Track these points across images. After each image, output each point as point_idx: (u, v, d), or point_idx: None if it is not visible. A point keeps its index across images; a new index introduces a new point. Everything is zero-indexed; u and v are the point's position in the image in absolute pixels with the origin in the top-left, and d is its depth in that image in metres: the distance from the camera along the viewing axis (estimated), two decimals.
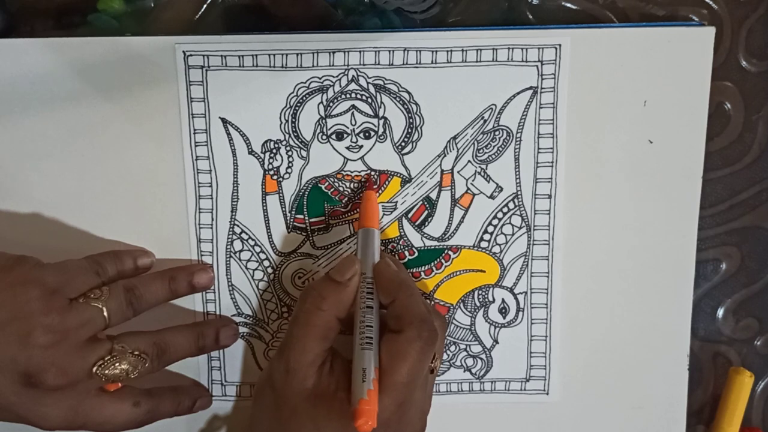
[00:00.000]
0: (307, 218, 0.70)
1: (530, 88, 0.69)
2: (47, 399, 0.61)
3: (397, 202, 0.70)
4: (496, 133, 0.69)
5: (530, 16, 0.71)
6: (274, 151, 0.69)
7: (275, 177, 0.69)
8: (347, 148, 0.69)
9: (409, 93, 0.69)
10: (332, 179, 0.70)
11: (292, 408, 0.62)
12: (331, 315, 0.62)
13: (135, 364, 0.63)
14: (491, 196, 0.70)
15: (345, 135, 0.69)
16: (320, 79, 0.68)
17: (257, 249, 0.70)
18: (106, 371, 0.62)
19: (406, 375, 0.60)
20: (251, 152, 0.69)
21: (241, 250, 0.70)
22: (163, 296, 0.68)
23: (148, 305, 0.67)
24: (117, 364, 0.63)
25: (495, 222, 0.71)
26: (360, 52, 0.68)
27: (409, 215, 0.71)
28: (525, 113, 0.69)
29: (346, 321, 0.64)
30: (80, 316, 0.62)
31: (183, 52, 0.67)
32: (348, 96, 0.68)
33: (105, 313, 0.63)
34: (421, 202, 0.70)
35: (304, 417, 0.61)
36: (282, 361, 0.63)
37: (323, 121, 0.69)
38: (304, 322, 0.62)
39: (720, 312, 0.76)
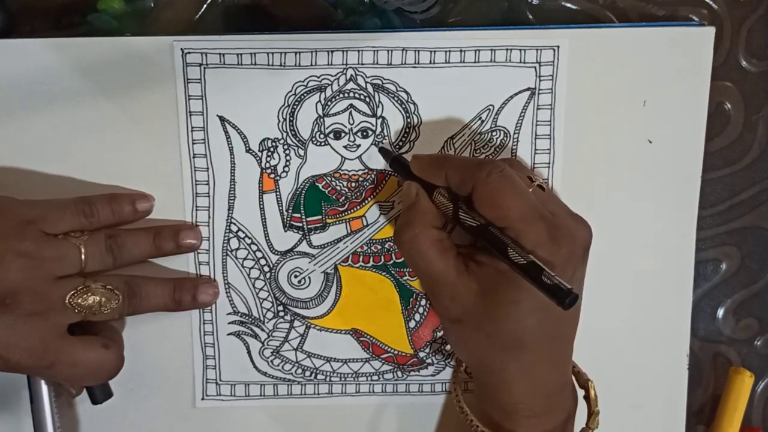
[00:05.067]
0: (304, 217, 0.70)
1: (528, 89, 0.69)
2: (19, 325, 0.60)
3: (394, 201, 0.70)
4: (494, 133, 0.69)
5: (530, 16, 0.71)
6: (272, 149, 0.69)
7: (272, 175, 0.70)
8: (345, 147, 0.69)
9: (407, 93, 0.69)
10: (330, 178, 0.70)
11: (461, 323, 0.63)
12: (429, 229, 0.62)
13: (107, 297, 0.63)
14: None
15: (343, 134, 0.69)
16: (318, 78, 0.68)
17: (254, 247, 0.71)
18: (79, 300, 0.62)
19: (514, 200, 0.59)
20: (249, 150, 0.69)
21: (237, 249, 0.71)
22: (146, 250, 0.67)
23: (130, 256, 0.66)
24: (90, 294, 0.63)
25: None
26: (358, 51, 0.68)
27: None
28: (522, 114, 0.69)
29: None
30: (56, 249, 0.62)
31: (181, 49, 0.67)
32: (346, 95, 0.69)
33: (82, 255, 0.63)
34: None
35: (472, 327, 0.62)
36: (438, 299, 0.63)
37: (321, 120, 0.69)
38: (416, 256, 0.62)
39: (720, 312, 0.76)
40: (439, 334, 0.73)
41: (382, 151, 0.69)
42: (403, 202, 0.65)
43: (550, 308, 0.58)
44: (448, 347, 0.73)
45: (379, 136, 0.69)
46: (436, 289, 0.63)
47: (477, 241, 0.66)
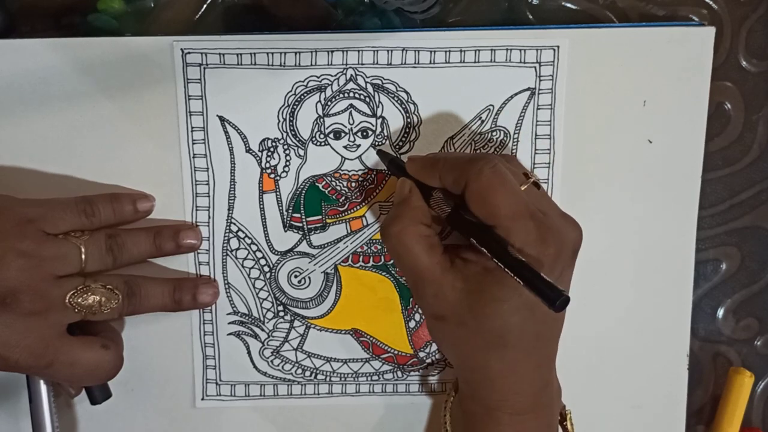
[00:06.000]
0: (304, 217, 0.71)
1: (528, 89, 0.69)
2: (19, 324, 0.60)
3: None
4: (494, 133, 0.69)
5: (530, 16, 0.71)
6: (272, 149, 0.69)
7: (272, 175, 0.70)
8: (345, 147, 0.69)
9: (407, 93, 0.69)
10: (329, 178, 0.70)
11: (460, 325, 0.61)
12: (418, 225, 0.62)
13: (107, 297, 0.64)
14: None
15: (343, 134, 0.69)
16: (318, 78, 0.68)
17: (254, 247, 0.71)
18: (79, 299, 0.62)
19: (504, 198, 0.58)
20: (249, 150, 0.69)
21: (237, 249, 0.71)
22: (146, 250, 0.68)
23: (130, 256, 0.66)
24: (90, 294, 0.63)
25: None
26: (358, 51, 0.68)
27: None
28: (522, 114, 0.69)
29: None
30: (56, 248, 0.62)
31: (181, 50, 0.67)
32: (346, 95, 0.69)
33: (82, 254, 0.63)
34: None
35: (455, 324, 0.62)
36: (422, 295, 0.62)
37: (321, 120, 0.69)
38: (402, 251, 0.62)
39: (720, 312, 0.76)
40: None
41: (380, 153, 0.69)
42: (395, 198, 0.65)
43: (535, 307, 0.58)
44: None
45: (379, 136, 0.69)
46: (420, 286, 0.62)
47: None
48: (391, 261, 0.72)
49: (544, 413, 0.64)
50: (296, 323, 0.72)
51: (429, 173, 0.63)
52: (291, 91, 0.68)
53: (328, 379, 0.74)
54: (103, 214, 0.66)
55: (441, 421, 0.69)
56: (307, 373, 0.73)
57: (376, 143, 0.69)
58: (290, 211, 0.70)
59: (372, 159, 0.70)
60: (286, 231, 0.71)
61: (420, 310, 0.73)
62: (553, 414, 0.65)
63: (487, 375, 0.62)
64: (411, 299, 0.72)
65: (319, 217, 0.71)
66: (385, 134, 0.69)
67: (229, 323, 0.72)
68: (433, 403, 0.74)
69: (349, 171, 0.70)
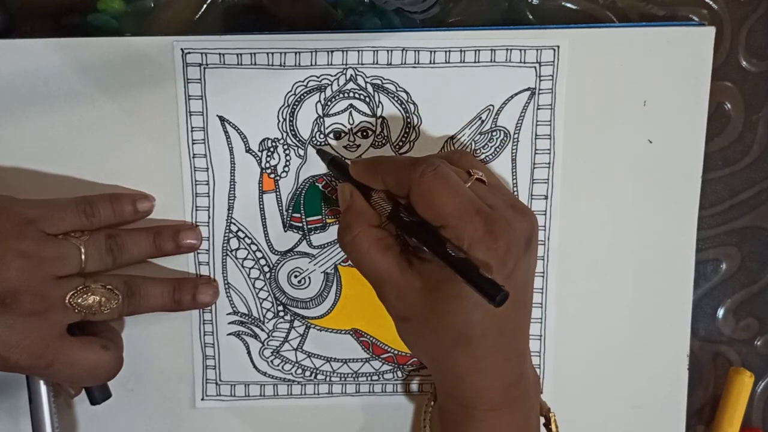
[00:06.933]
0: (304, 217, 0.71)
1: (528, 89, 0.69)
2: (19, 325, 0.60)
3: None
4: (494, 133, 0.69)
5: (530, 16, 0.71)
6: (272, 149, 0.69)
7: (272, 175, 0.70)
8: (345, 147, 0.69)
9: (407, 93, 0.69)
10: (329, 178, 0.70)
11: (407, 319, 0.62)
12: (368, 229, 0.62)
13: (107, 297, 0.64)
14: None
15: (343, 134, 0.69)
16: (318, 78, 0.68)
17: (253, 247, 0.71)
18: (79, 300, 0.62)
19: (448, 197, 0.58)
20: (248, 150, 0.69)
21: (237, 249, 0.71)
22: (146, 250, 0.68)
23: (130, 256, 0.66)
24: (90, 294, 0.63)
25: None
26: (358, 51, 0.68)
27: None
28: (522, 114, 0.69)
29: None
30: (56, 249, 0.62)
31: (181, 49, 0.67)
32: (346, 95, 0.69)
33: (82, 255, 0.63)
34: None
35: (420, 324, 0.62)
36: (385, 297, 0.63)
37: (321, 120, 0.69)
38: (359, 257, 0.62)
39: (720, 312, 0.76)
40: None
41: (321, 153, 0.69)
42: (340, 206, 0.65)
43: None
44: None
45: (379, 136, 0.69)
46: (381, 288, 0.63)
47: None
48: None
49: (520, 407, 0.64)
50: (296, 323, 0.72)
51: (372, 176, 0.63)
52: (291, 91, 0.68)
53: (328, 379, 0.74)
54: (103, 215, 0.66)
55: (420, 426, 0.69)
56: (307, 373, 0.73)
57: (377, 143, 0.69)
58: (290, 211, 0.70)
59: None
60: (286, 231, 0.71)
61: None
62: (530, 407, 0.65)
63: (457, 373, 0.62)
64: None
65: (319, 217, 0.71)
66: (385, 134, 0.69)
67: (229, 323, 0.72)
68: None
69: None
